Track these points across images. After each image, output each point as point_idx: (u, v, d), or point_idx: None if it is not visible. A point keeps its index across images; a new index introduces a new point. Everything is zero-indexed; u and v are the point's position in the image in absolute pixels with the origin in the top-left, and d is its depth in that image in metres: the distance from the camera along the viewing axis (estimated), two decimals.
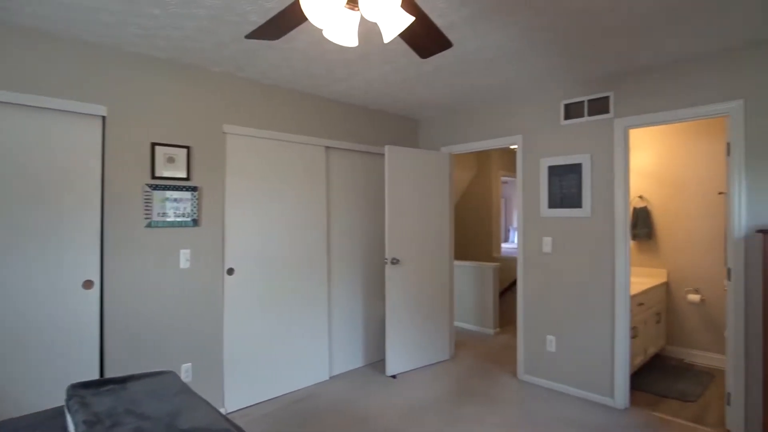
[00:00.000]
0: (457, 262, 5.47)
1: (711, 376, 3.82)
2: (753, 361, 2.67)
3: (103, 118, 2.59)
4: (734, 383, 2.73)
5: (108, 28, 2.38)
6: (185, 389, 1.79)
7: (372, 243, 4.12)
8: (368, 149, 4.07)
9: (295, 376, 3.47)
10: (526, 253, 3.69)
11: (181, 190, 2.88)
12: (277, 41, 2.60)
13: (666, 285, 4.39)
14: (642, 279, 4.36)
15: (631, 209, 4.54)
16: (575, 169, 3.37)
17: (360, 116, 4.04)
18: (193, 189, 2.94)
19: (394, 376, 3.77)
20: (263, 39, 1.82)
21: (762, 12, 2.23)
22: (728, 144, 2.75)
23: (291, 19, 1.66)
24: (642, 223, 4.45)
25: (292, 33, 2.49)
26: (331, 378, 3.75)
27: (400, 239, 3.84)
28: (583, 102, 3.35)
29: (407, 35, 1.78)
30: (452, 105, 4.02)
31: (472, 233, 6.50)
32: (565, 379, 3.47)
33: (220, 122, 3.09)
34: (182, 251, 2.90)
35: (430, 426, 2.95)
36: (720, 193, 4.07)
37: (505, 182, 7.18)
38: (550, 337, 3.54)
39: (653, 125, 3.05)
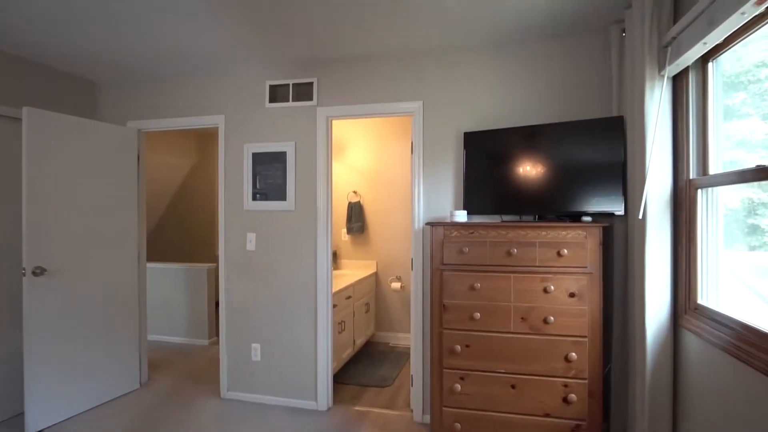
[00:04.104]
0: (162, 265, 4.58)
1: (407, 356, 4.19)
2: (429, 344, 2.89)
3: None
4: (415, 365, 2.91)
5: None
6: None
7: (5, 246, 2.88)
8: (2, 112, 2.81)
9: None
10: (228, 252, 3.20)
11: None
12: None
13: (375, 275, 4.66)
14: (355, 271, 4.50)
15: (347, 204, 4.65)
16: (280, 157, 3.07)
17: None
18: None
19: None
20: None
21: (437, 21, 2.33)
22: (412, 143, 2.90)
23: None
24: (356, 218, 4.61)
25: None
26: None
27: (51, 240, 2.77)
28: (288, 85, 3.07)
29: None
30: (140, 68, 3.16)
31: (193, 229, 5.67)
32: (271, 389, 3.14)
33: None
34: None
35: None
36: None
37: None
38: (255, 345, 3.16)
39: (352, 117, 3.01)
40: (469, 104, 2.78)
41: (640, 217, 1.93)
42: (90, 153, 3.02)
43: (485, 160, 2.60)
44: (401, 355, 4.22)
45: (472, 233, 2.33)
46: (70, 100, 3.29)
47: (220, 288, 3.21)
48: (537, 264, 2.24)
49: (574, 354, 2.18)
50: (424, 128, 2.85)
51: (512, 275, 2.26)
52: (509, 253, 2.27)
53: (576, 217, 2.39)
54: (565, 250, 2.19)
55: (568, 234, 2.20)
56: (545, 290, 2.21)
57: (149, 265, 4.60)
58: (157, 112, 3.35)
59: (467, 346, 2.32)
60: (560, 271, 2.21)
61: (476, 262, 2.32)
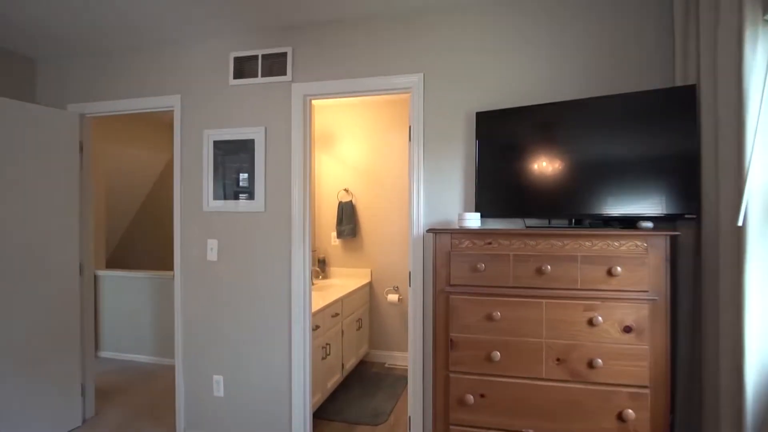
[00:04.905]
0: (125, 273, 4.00)
1: (406, 381, 3.60)
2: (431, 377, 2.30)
3: None
4: (414, 406, 2.32)
5: None
6: None
7: None
8: None
9: None
10: (185, 262, 2.62)
11: None
12: None
13: (369, 285, 4.07)
14: (346, 281, 3.92)
15: (337, 204, 4.07)
16: (247, 146, 2.48)
17: None
18: None
19: None
20: None
21: None
22: (410, 127, 2.31)
23: None
24: (347, 219, 4.02)
25: None
26: None
27: None
28: (257, 57, 2.48)
29: None
30: (83, 42, 2.58)
31: (169, 233, 5.09)
32: (237, 431, 2.56)
33: None
34: None
35: None
36: None
37: None
38: (218, 378, 2.57)
39: (335, 96, 2.42)
40: (482, 77, 2.18)
41: (740, 223, 1.33)
42: (14, 142, 2.45)
43: (504, 148, 2.01)
44: (399, 380, 3.63)
45: (490, 243, 1.74)
46: (4, 80, 2.72)
47: (176, 308, 2.63)
48: (579, 286, 1.64)
49: (630, 411, 1.58)
50: (425, 108, 2.26)
51: (544, 301, 1.67)
52: (540, 271, 1.68)
53: (628, 222, 1.80)
54: (618, 268, 1.59)
55: (621, 245, 1.61)
56: (590, 322, 1.62)
57: (111, 273, 4.04)
58: (103, 93, 2.77)
59: (482, 395, 1.73)
60: (611, 297, 1.61)
61: (495, 283, 1.72)
